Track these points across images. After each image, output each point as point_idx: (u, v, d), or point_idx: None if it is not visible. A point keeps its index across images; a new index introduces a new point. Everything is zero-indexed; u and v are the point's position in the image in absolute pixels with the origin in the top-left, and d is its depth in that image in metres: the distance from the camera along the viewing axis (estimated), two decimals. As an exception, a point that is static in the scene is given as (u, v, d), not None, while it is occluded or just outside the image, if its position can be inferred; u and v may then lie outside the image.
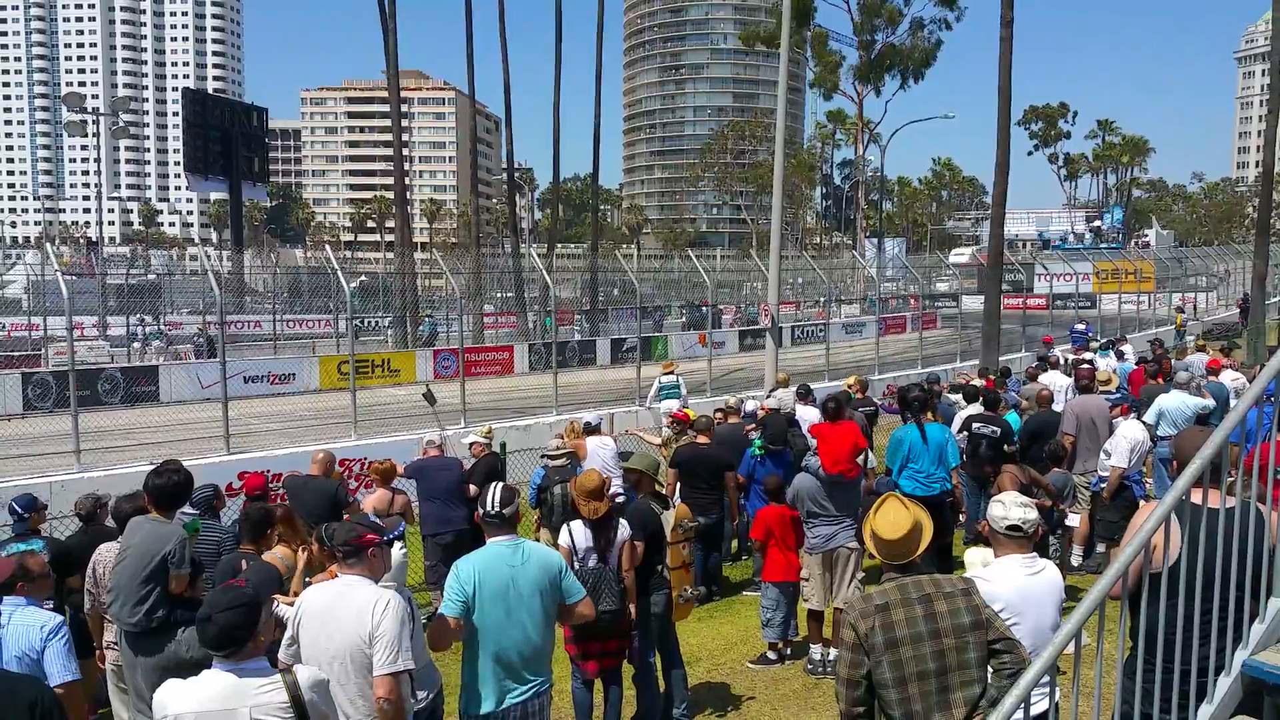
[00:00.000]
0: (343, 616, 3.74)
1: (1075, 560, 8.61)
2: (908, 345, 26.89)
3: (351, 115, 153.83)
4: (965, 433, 9.16)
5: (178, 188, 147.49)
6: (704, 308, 28.78)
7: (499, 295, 36.83)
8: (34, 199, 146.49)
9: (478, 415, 15.84)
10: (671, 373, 15.81)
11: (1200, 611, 3.14)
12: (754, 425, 9.76)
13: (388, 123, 41.49)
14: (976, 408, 9.72)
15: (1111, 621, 3.04)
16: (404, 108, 39.93)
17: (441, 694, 4.85)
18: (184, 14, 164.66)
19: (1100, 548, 8.50)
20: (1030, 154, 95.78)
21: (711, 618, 8.14)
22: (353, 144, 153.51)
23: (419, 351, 22.20)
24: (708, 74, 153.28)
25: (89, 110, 49.53)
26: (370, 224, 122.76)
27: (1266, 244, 26.36)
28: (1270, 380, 3.37)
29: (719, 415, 10.41)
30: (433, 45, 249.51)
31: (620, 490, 6.65)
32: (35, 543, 5.62)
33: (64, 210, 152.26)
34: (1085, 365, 10.95)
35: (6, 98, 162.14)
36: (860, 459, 7.12)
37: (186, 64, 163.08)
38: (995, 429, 8.90)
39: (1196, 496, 3.14)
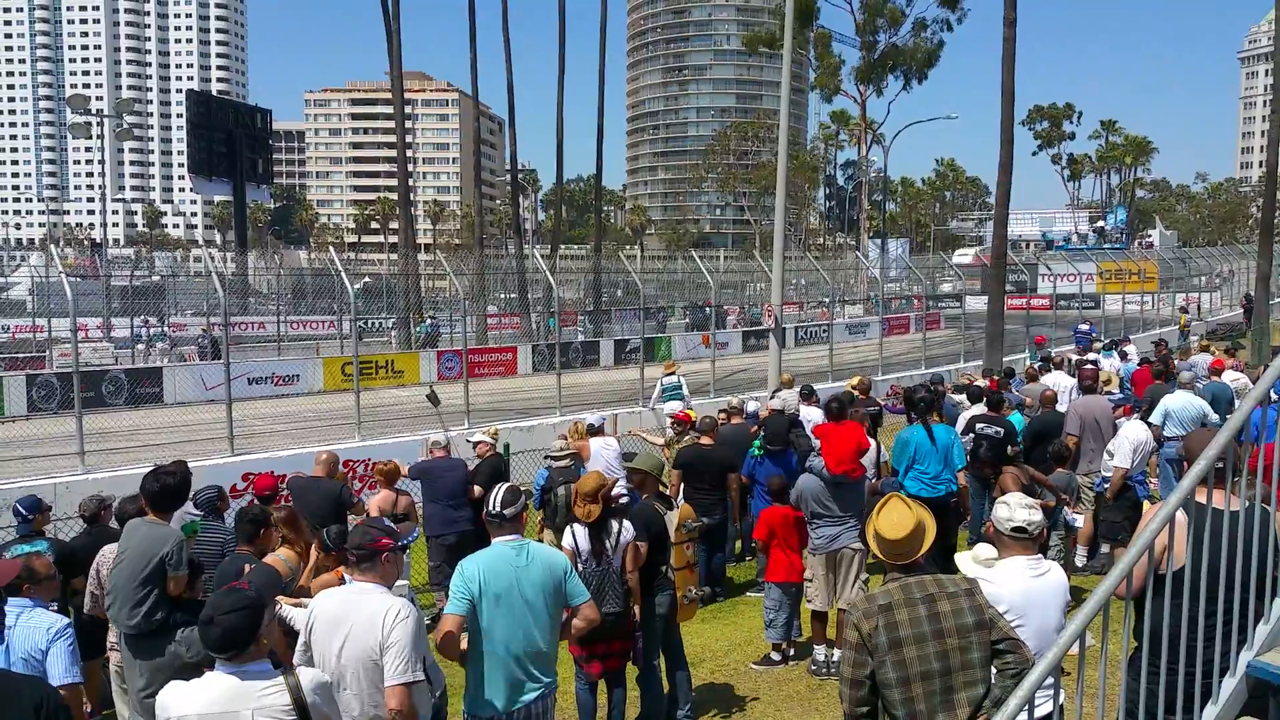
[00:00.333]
0: (354, 623, 3.71)
1: (1080, 561, 8.61)
2: (911, 346, 26.86)
3: (355, 117, 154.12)
4: (970, 434, 9.15)
5: (182, 189, 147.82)
6: (707, 308, 28.78)
7: (502, 296, 36.85)
8: (38, 201, 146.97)
9: (481, 416, 15.84)
10: (673, 373, 15.80)
11: (1205, 613, 3.13)
12: (757, 426, 9.76)
13: (391, 124, 41.53)
14: (980, 408, 9.71)
15: (1116, 622, 3.03)
16: (407, 109, 39.93)
17: (445, 695, 4.85)
18: (188, 15, 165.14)
19: (1104, 548, 8.49)
20: (1034, 154, 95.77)
21: (715, 619, 8.13)
22: (356, 145, 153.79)
23: (422, 353, 22.22)
24: (711, 75, 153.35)
25: (93, 112, 49.59)
26: (374, 225, 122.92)
27: (1270, 244, 26.28)
28: (1275, 381, 3.36)
29: (722, 416, 10.41)
30: (436, 47, 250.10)
31: (625, 491, 6.64)
32: (40, 544, 5.64)
33: (68, 212, 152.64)
34: (1089, 366, 10.94)
35: (11, 99, 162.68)
36: (871, 454, 7.09)
37: (190, 65, 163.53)
38: (999, 429, 8.89)
39: (1202, 496, 3.13)
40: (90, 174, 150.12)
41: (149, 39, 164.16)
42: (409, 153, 34.85)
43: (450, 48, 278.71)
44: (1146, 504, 7.74)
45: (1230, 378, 12.07)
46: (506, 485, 4.38)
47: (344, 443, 13.40)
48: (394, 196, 77.48)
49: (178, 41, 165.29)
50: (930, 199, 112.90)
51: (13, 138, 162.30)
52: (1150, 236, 68.10)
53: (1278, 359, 3.39)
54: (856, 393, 11.33)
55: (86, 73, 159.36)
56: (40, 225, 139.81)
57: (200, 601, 5.11)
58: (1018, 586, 3.70)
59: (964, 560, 4.00)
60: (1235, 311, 37.93)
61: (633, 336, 25.55)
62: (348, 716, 3.72)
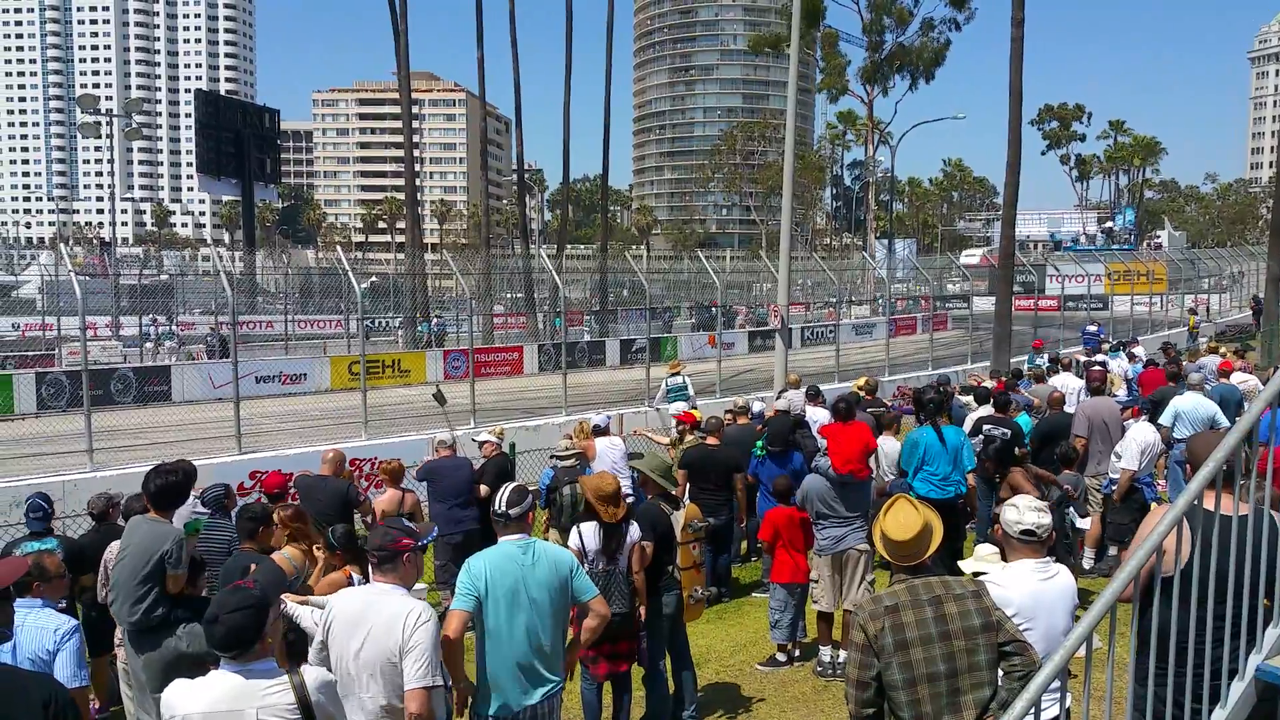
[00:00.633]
0: (374, 624, 3.69)
1: (1087, 563, 8.58)
2: (918, 346, 26.80)
3: (363, 117, 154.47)
4: (978, 435, 9.13)
5: (190, 189, 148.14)
6: (713, 308, 28.76)
7: (509, 296, 36.92)
8: (48, 200, 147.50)
9: (487, 415, 15.86)
10: (678, 373, 15.77)
11: (1214, 616, 3.12)
12: (763, 426, 9.75)
13: (399, 124, 41.57)
14: (987, 409, 9.68)
15: (1123, 625, 3.02)
16: (415, 109, 40.08)
17: (452, 693, 4.85)
18: (196, 16, 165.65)
19: (1111, 550, 8.46)
20: (1043, 154, 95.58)
21: (720, 619, 8.13)
22: (364, 145, 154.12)
23: (429, 352, 22.26)
24: (717, 75, 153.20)
25: (102, 112, 49.83)
26: (381, 225, 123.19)
27: (1280, 245, 26.14)
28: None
29: (729, 416, 10.40)
30: (443, 47, 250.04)
31: (630, 491, 6.65)
32: (50, 541, 5.68)
33: (78, 211, 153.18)
34: (1097, 368, 10.90)
35: (22, 100, 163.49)
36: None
37: (199, 65, 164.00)
38: (1006, 431, 8.87)
39: (1210, 499, 3.11)
40: (99, 173, 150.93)
41: (158, 39, 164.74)
42: (416, 153, 34.98)
43: (457, 48, 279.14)
44: (1154, 505, 7.70)
45: (1238, 380, 11.99)
46: (513, 485, 4.38)
47: (351, 441, 13.43)
48: (401, 196, 77.61)
49: (186, 42, 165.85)
50: (937, 199, 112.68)
51: (23, 137, 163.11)
52: (1159, 237, 67.78)
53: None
54: (863, 393, 11.32)
55: (96, 73, 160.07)
56: (50, 224, 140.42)
57: (202, 598, 5.14)
58: (1026, 589, 3.69)
59: (981, 549, 4.00)
60: (1244, 313, 37.78)
61: (638, 336, 25.57)
62: (363, 717, 3.71)
